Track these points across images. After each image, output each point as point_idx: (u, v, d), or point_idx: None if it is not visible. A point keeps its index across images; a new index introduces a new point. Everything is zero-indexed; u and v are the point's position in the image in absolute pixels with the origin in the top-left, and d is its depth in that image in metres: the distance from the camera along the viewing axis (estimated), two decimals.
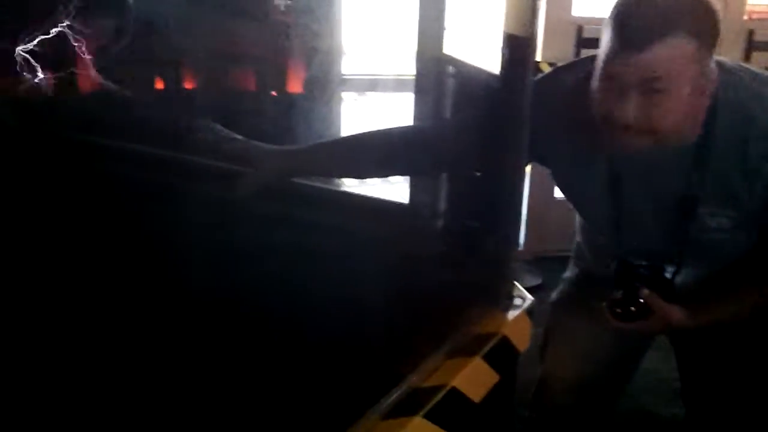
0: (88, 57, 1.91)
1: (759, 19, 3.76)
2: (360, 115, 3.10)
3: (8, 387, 1.40)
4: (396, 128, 1.60)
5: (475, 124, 1.53)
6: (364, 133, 1.58)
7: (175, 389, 1.42)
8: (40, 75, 1.73)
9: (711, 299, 1.52)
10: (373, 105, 3.24)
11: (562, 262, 1.97)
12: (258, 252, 1.63)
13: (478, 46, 1.53)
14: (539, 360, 1.84)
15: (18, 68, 1.70)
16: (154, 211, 1.70)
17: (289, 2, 2.38)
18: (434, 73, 1.61)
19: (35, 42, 1.64)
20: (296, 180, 1.65)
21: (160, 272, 1.65)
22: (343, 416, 1.14)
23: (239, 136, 1.50)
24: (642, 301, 1.49)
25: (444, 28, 1.56)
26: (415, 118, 1.69)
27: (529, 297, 1.54)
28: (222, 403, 1.38)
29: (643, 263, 1.53)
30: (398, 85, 2.58)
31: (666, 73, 1.27)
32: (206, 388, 1.42)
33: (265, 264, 1.63)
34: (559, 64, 1.67)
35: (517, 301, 1.52)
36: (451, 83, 1.63)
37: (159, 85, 2.26)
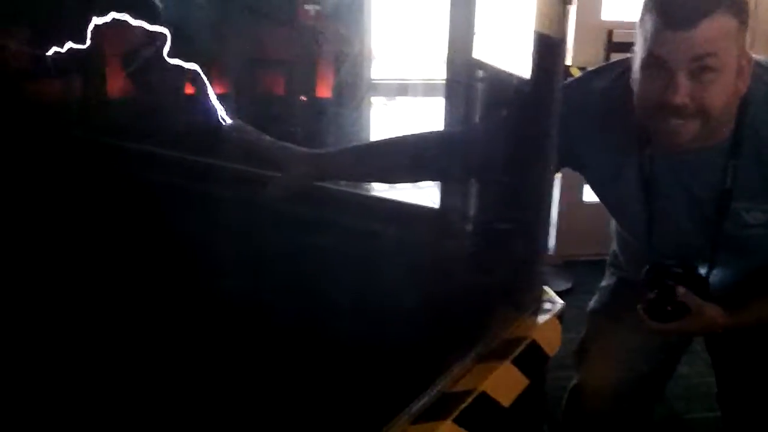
0: (117, 61, 1.94)
1: None
2: (389, 119, 3.11)
3: (13, 387, 1.42)
4: (426, 133, 1.60)
5: (504, 128, 1.53)
6: (393, 138, 1.58)
7: (204, 393, 1.43)
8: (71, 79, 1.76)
9: (752, 298, 1.51)
10: (403, 110, 3.24)
11: (592, 266, 1.96)
12: (285, 255, 1.64)
13: (508, 50, 1.53)
14: (574, 366, 1.83)
15: (48, 72, 1.72)
16: (182, 214, 1.72)
17: (318, 7, 2.39)
18: (464, 78, 1.61)
19: (66, 47, 1.66)
20: (324, 184, 1.65)
21: (191, 275, 1.66)
22: (372, 420, 1.15)
23: (270, 138, 1.50)
24: (678, 299, 1.47)
25: (474, 33, 1.56)
26: (445, 122, 1.69)
27: (559, 301, 1.54)
28: (253, 408, 1.39)
29: (676, 263, 1.52)
30: (428, 89, 2.58)
31: (715, 50, 1.27)
32: (235, 393, 1.43)
33: (293, 266, 1.63)
34: (590, 68, 1.67)
35: (547, 306, 1.52)
36: (480, 88, 1.63)
37: (188, 89, 2.28)
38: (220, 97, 2.26)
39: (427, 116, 2.12)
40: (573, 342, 1.84)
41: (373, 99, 2.78)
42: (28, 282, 1.63)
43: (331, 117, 2.26)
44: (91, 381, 1.46)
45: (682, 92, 1.30)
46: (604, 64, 1.68)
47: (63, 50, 1.65)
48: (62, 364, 1.49)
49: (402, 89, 3.07)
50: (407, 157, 1.56)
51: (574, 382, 1.82)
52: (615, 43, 3.42)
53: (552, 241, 3.68)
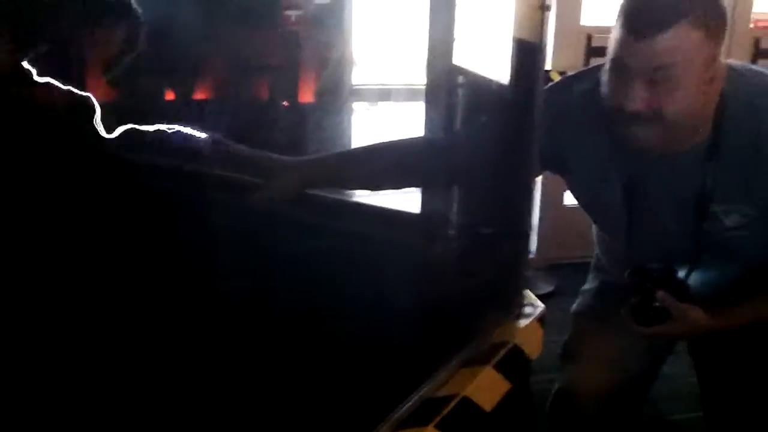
0: (96, 67, 1.93)
1: (764, 28, 3.77)
2: (371, 125, 3.11)
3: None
4: (408, 140, 1.61)
5: (486, 133, 1.54)
6: (375, 145, 1.59)
7: (168, 392, 1.43)
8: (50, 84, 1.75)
9: (733, 300, 1.52)
10: (385, 115, 3.25)
11: (575, 268, 1.97)
12: (268, 261, 1.64)
13: (488, 56, 1.54)
14: (559, 370, 1.84)
15: (26, 78, 1.71)
16: (168, 224, 1.71)
17: (300, 12, 2.39)
18: (445, 83, 1.62)
19: (42, 51, 1.65)
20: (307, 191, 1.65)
21: (176, 283, 1.66)
22: (355, 427, 1.15)
23: (250, 149, 1.50)
24: (658, 304, 1.49)
25: (454, 39, 1.56)
26: (427, 128, 1.69)
27: (540, 305, 1.54)
28: (232, 415, 1.39)
29: (656, 267, 1.53)
30: (409, 94, 2.59)
31: (672, 62, 1.29)
32: (213, 403, 1.42)
33: (277, 272, 1.63)
34: (569, 73, 1.68)
35: (529, 309, 1.53)
36: (461, 93, 1.63)
37: (169, 95, 2.28)
38: (203, 103, 2.26)
39: (409, 121, 2.12)
40: (556, 345, 1.84)
41: (355, 104, 2.78)
42: None
43: (313, 122, 2.26)
44: (72, 382, 1.45)
45: (639, 99, 1.33)
46: (584, 68, 1.69)
47: (41, 54, 1.65)
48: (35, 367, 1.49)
49: (384, 94, 3.07)
50: (390, 165, 1.56)
51: (558, 385, 1.82)
52: (594, 47, 3.44)
53: (534, 245, 3.70)
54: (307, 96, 2.43)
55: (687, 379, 1.92)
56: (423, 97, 1.69)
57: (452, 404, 1.22)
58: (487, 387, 1.31)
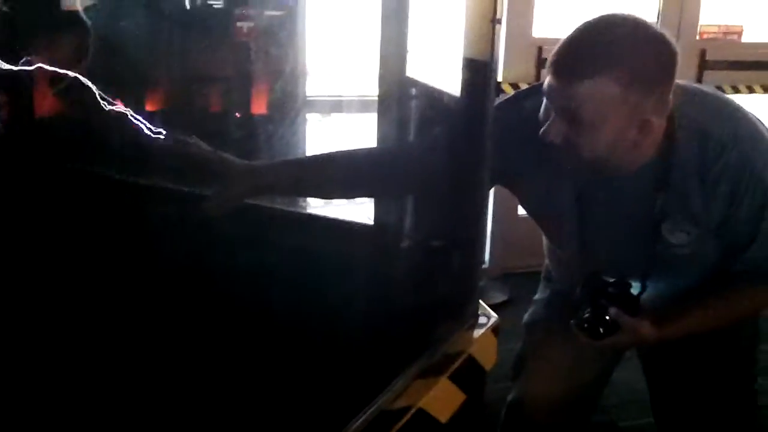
0: (46, 79, 1.90)
1: (710, 39, 3.85)
2: (324, 136, 3.11)
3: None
4: (360, 150, 1.61)
5: (438, 144, 1.55)
6: (330, 154, 1.58)
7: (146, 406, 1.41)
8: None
9: (676, 312, 1.55)
10: (338, 126, 3.25)
11: (529, 277, 1.99)
12: (220, 271, 1.63)
13: (440, 68, 1.55)
14: (511, 380, 1.85)
15: None
16: (109, 232, 1.69)
17: (251, 24, 2.39)
18: (397, 95, 1.63)
19: None
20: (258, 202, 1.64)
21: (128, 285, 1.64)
22: None
23: (209, 148, 1.45)
24: (609, 318, 1.51)
25: (407, 51, 1.57)
26: (379, 139, 1.70)
27: (494, 315, 1.55)
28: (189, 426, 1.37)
29: (610, 281, 1.55)
30: (362, 106, 2.60)
31: (582, 110, 1.33)
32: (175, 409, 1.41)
33: (228, 285, 1.62)
34: (521, 85, 1.70)
35: (482, 320, 1.53)
36: (414, 105, 1.64)
37: (120, 106, 2.25)
38: (153, 114, 2.23)
39: (361, 132, 2.13)
40: (511, 354, 1.86)
41: (308, 115, 2.78)
42: None
43: (265, 133, 2.25)
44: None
45: (552, 131, 1.38)
46: (533, 84, 1.71)
47: None
48: None
49: (337, 105, 3.08)
50: (343, 174, 1.55)
51: (512, 395, 1.84)
52: (545, 59, 3.46)
53: (487, 254, 3.72)
54: (259, 107, 2.42)
55: (637, 385, 1.95)
56: (376, 108, 1.70)
57: (408, 416, 1.22)
58: (442, 398, 1.32)
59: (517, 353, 1.85)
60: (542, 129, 1.39)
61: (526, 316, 1.89)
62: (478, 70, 1.39)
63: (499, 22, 1.36)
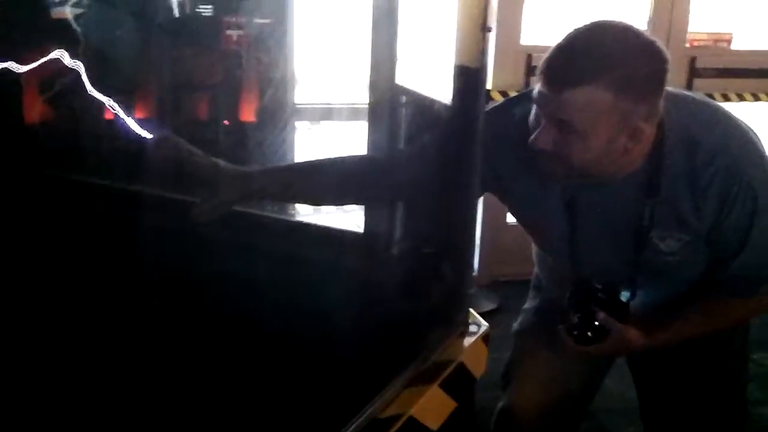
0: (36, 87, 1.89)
1: (700, 47, 3.87)
2: (313, 143, 3.11)
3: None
4: (350, 157, 1.61)
5: (428, 152, 1.55)
6: (321, 161, 1.57)
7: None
8: None
9: (665, 320, 1.55)
10: (327, 134, 3.25)
11: (518, 285, 1.98)
12: (209, 278, 1.62)
13: (430, 76, 1.55)
14: (501, 388, 1.85)
15: None
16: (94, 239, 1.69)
17: (241, 32, 2.39)
18: (387, 103, 1.63)
19: None
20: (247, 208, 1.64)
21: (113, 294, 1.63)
22: None
23: (200, 152, 1.44)
24: (598, 324, 1.51)
25: (396, 58, 1.57)
26: (369, 147, 1.70)
27: (484, 323, 1.55)
28: None
29: (599, 287, 1.55)
30: (352, 114, 2.60)
31: (574, 118, 1.32)
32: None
33: (216, 291, 1.62)
34: (510, 92, 1.70)
35: (473, 328, 1.53)
36: (404, 113, 1.64)
37: (109, 114, 2.24)
38: (143, 122, 2.23)
39: (351, 140, 2.12)
40: (501, 362, 1.85)
41: (297, 123, 2.77)
42: None
43: (255, 141, 2.25)
44: None
45: (542, 138, 1.37)
46: (524, 90, 1.72)
47: None
48: None
49: (326, 113, 3.07)
50: (333, 180, 1.55)
51: (501, 403, 1.83)
52: (534, 66, 3.47)
53: (477, 262, 3.72)
54: (248, 115, 2.42)
55: (627, 392, 1.95)
56: (365, 116, 1.70)
57: (399, 424, 1.22)
58: (433, 406, 1.32)
59: (506, 361, 1.85)
60: (532, 137, 1.39)
61: (515, 325, 1.89)
62: (469, 77, 1.39)
63: (490, 29, 1.37)
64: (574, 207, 1.51)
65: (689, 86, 3.74)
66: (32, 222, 1.78)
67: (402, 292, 1.53)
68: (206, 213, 1.41)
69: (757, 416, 2.61)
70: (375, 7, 1.56)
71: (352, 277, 1.61)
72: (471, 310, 1.55)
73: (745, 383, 1.80)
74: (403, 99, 1.62)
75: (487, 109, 1.53)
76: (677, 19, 3.75)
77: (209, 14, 2.38)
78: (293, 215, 1.91)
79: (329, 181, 1.54)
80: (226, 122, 2.49)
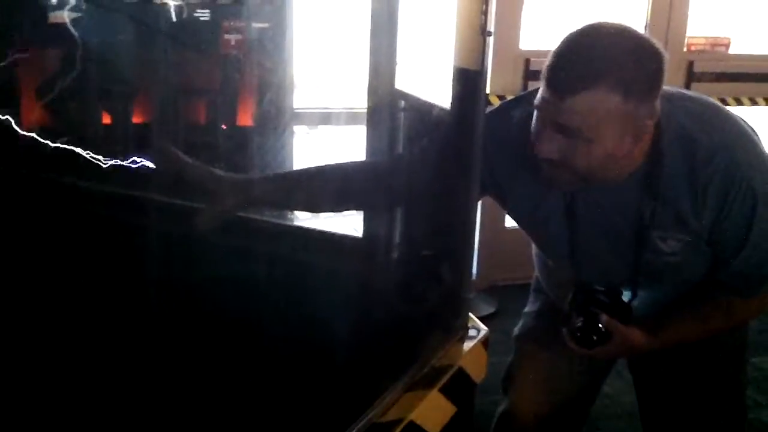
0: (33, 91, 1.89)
1: (698, 51, 3.88)
2: (312, 148, 3.11)
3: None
4: (349, 163, 1.60)
5: (427, 157, 1.54)
6: (319, 167, 1.57)
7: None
8: None
9: (669, 321, 1.55)
10: (325, 138, 3.25)
11: (516, 289, 1.99)
12: (209, 284, 1.62)
13: (430, 81, 1.55)
14: (502, 392, 1.84)
15: None
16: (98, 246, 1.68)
17: (239, 36, 2.38)
18: (386, 107, 1.63)
19: None
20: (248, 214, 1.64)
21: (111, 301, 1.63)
22: None
23: (196, 163, 1.45)
24: (601, 326, 1.50)
25: (396, 63, 1.57)
26: (368, 151, 1.70)
27: (484, 328, 1.55)
28: None
29: (601, 289, 1.55)
30: (350, 118, 2.60)
31: (582, 124, 1.31)
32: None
33: (216, 297, 1.61)
34: (508, 96, 1.70)
35: (472, 332, 1.53)
36: (403, 117, 1.64)
37: (107, 119, 2.24)
38: (142, 126, 2.23)
39: (350, 145, 2.13)
40: (499, 366, 1.85)
41: (296, 128, 2.77)
42: None
43: (253, 146, 2.25)
44: None
45: (546, 145, 1.36)
46: (521, 93, 1.71)
47: None
48: None
49: (325, 118, 3.07)
50: (331, 187, 1.55)
51: (502, 407, 1.83)
52: (533, 71, 3.49)
53: (475, 267, 3.72)
54: (246, 119, 2.42)
55: (627, 397, 1.95)
56: (364, 120, 1.70)
57: (399, 429, 1.21)
58: (433, 411, 1.31)
59: (507, 365, 1.85)
60: (536, 147, 1.37)
61: (516, 329, 1.89)
62: (468, 82, 1.39)
63: (490, 34, 1.36)
64: (574, 209, 1.51)
65: (687, 90, 3.74)
66: (29, 228, 1.78)
67: (401, 296, 1.53)
68: (207, 221, 1.43)
69: (756, 420, 2.61)
70: (374, 12, 1.56)
71: (352, 281, 1.61)
72: (471, 314, 1.55)
73: (744, 386, 1.80)
74: (403, 103, 1.62)
75: (486, 113, 1.53)
76: (675, 23, 3.76)
77: (207, 18, 2.37)
78: (292, 220, 1.91)
79: (329, 187, 1.54)
80: (223, 126, 2.48)
